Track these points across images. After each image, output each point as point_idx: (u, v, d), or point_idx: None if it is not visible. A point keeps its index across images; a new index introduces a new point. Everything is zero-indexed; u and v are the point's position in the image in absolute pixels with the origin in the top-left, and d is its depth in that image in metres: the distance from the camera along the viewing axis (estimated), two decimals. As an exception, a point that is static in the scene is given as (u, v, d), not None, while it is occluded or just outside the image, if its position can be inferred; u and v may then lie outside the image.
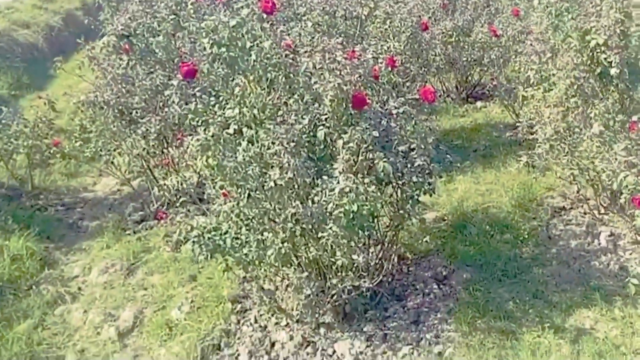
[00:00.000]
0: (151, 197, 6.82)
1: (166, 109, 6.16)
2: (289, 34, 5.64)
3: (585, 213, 5.74)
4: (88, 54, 6.53)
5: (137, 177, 6.97)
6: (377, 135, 3.97)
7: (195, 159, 4.29)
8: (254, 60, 4.25)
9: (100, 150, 6.40)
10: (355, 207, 3.69)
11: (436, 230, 5.64)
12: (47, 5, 14.69)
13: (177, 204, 6.29)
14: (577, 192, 5.76)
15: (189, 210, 6.34)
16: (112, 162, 6.64)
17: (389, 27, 6.49)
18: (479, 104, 8.93)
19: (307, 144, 4.20)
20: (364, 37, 6.28)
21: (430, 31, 7.09)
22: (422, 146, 4.03)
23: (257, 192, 4.13)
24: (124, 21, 6.34)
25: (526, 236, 5.51)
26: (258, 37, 4.22)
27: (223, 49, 4.15)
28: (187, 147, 4.22)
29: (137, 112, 6.28)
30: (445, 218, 5.85)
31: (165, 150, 6.57)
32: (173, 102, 6.09)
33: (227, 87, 4.54)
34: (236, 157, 4.04)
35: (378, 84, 4.36)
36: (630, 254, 5.13)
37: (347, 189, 3.74)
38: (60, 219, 6.93)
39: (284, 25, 5.02)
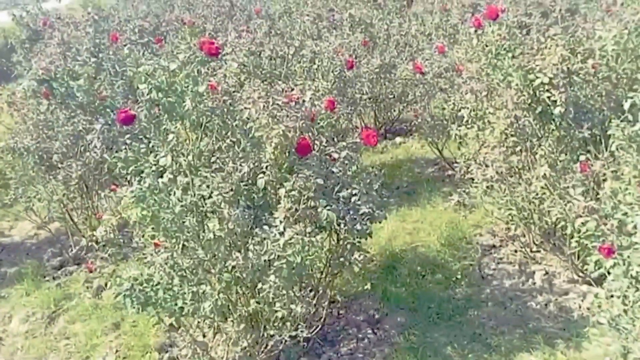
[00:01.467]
0: (69, 241, 6.36)
1: (87, 154, 5.77)
2: (214, 75, 5.38)
3: (516, 251, 5.49)
4: (7, 100, 6.06)
5: (56, 222, 6.53)
6: (322, 182, 3.69)
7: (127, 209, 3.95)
8: (190, 106, 3.94)
9: (20, 196, 5.90)
10: (299, 258, 3.41)
11: (365, 272, 5.25)
12: (-46, 47, 13.91)
13: (97, 249, 5.93)
14: (507, 229, 5.58)
15: (109, 256, 5.98)
16: (32, 209, 6.15)
17: (318, 66, 6.24)
18: (398, 139, 8.66)
19: (244, 192, 3.90)
20: (289, 76, 6.03)
21: (355, 69, 6.83)
22: (366, 192, 3.77)
23: (192, 242, 3.80)
24: (44, 65, 5.90)
25: (458, 276, 5.21)
26: (197, 81, 3.92)
27: (161, 94, 3.82)
28: (121, 199, 3.87)
29: (57, 157, 5.85)
30: (374, 259, 5.55)
31: (85, 196, 6.14)
32: (95, 146, 5.74)
33: (160, 133, 4.22)
34: (172, 208, 3.70)
35: (318, 128, 4.08)
36: (567, 293, 4.87)
37: (293, 240, 3.45)
38: (-24, 269, 6.42)
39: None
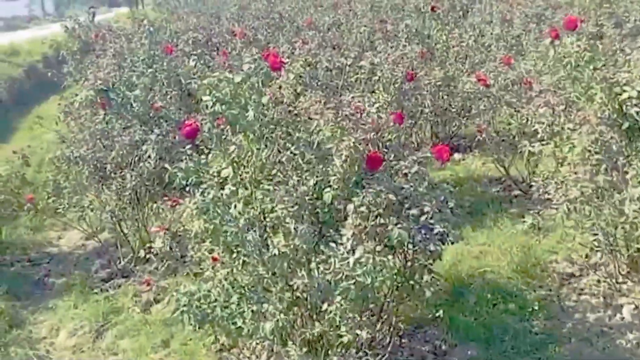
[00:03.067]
0: (118, 253, 6.20)
1: (141, 164, 5.62)
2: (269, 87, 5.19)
3: (599, 281, 4.86)
4: (64, 109, 5.96)
5: (105, 232, 6.41)
6: (394, 198, 3.45)
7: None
8: (253, 117, 3.76)
9: (73, 206, 5.77)
10: (369, 280, 3.17)
11: (429, 297, 4.85)
12: (10, 59, 14.02)
13: (146, 262, 5.76)
14: (586, 256, 5.05)
15: (156, 269, 5.82)
16: (84, 218, 6.01)
17: (380, 77, 5.96)
18: (457, 156, 7.98)
19: (309, 207, 3.69)
20: (346, 88, 5.82)
21: (415, 82, 6.46)
22: (438, 210, 3.49)
23: (254, 258, 3.60)
24: (102, 76, 5.79)
25: (535, 307, 4.61)
26: (261, 93, 3.74)
27: (225, 107, 3.65)
28: (182, 211, 3.69)
29: (111, 167, 5.71)
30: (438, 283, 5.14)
31: (136, 207, 5.99)
32: (149, 157, 5.59)
33: (221, 144, 4.05)
34: (236, 221, 3.51)
35: (385, 142, 3.84)
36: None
37: (363, 259, 3.22)
38: (26, 276, 6.26)
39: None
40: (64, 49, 11.58)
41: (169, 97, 6.17)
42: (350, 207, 3.47)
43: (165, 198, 4.78)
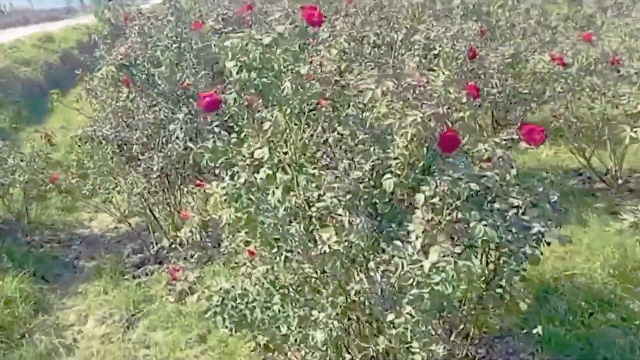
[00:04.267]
0: (151, 238, 5.27)
1: (169, 145, 4.67)
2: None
3: None
4: (86, 86, 4.98)
5: (136, 216, 5.48)
6: (477, 188, 2.47)
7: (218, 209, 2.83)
8: (290, 89, 2.79)
9: (99, 187, 4.81)
10: (450, 289, 2.19)
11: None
12: (46, 45, 13.06)
13: (181, 249, 4.86)
14: None
15: (191, 256, 4.92)
16: (110, 201, 5.06)
17: (439, 52, 4.71)
18: (523, 144, 6.54)
19: (364, 197, 2.72)
20: (397, 66, 4.72)
21: (478, 59, 5.14)
22: (533, 204, 2.47)
23: (299, 254, 2.66)
24: (123, 50, 4.81)
25: None
26: (298, 58, 2.75)
27: (254, 74, 2.66)
28: (209, 196, 2.74)
29: (137, 148, 4.76)
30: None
31: (167, 190, 5.06)
32: (177, 137, 4.65)
33: (253, 121, 3.09)
34: (274, 211, 2.56)
35: (457, 121, 2.78)
36: None
37: (442, 264, 2.24)
38: (55, 257, 5.35)
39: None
40: (95, 34, 10.57)
41: (198, 76, 5.17)
42: (420, 197, 2.47)
43: (198, 182, 3.88)
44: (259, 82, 2.64)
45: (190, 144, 4.52)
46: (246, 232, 2.81)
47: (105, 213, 5.66)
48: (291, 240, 2.63)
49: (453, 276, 2.25)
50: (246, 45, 2.68)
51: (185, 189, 5.01)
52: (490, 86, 5.26)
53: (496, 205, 2.48)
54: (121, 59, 4.74)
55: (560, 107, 5.32)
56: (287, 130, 2.96)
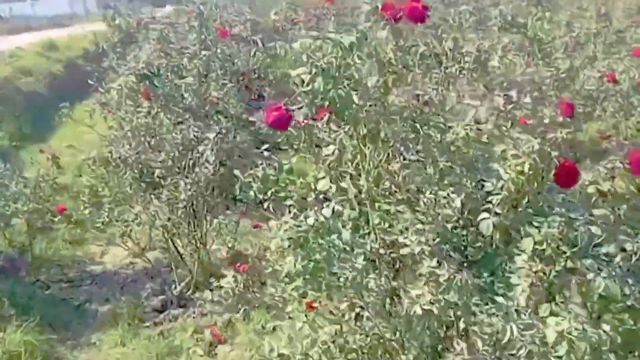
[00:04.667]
0: (173, 275, 4.93)
1: (197, 169, 4.33)
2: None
3: None
4: (100, 99, 4.66)
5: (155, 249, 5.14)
6: (599, 232, 2.06)
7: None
8: (362, 102, 2.42)
9: (115, 219, 4.44)
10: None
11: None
12: (49, 53, 12.82)
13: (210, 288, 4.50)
14: None
15: (221, 297, 4.57)
16: (129, 235, 4.70)
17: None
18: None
19: (452, 239, 2.34)
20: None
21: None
22: None
23: (377, 314, 2.29)
24: (145, 58, 4.48)
25: None
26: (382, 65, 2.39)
27: (329, 86, 2.28)
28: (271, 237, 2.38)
29: (160, 172, 4.42)
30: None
31: (192, 221, 4.71)
32: (207, 160, 4.31)
33: (311, 143, 2.75)
34: (352, 259, 2.19)
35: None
36: None
37: (569, 330, 1.84)
38: (64, 300, 4.99)
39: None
40: (103, 41, 10.29)
41: (225, 88, 4.84)
42: (528, 243, 2.08)
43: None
44: (334, 94, 2.26)
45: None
46: (304, 279, 2.44)
47: (119, 246, 5.32)
48: (370, 299, 2.26)
49: (585, 349, 1.87)
50: (319, 48, 2.31)
51: (214, 220, 4.68)
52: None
53: (605, 250, 2.08)
54: (142, 68, 4.40)
55: (610, 127, 5.06)
56: (358, 157, 2.60)
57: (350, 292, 2.33)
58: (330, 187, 2.62)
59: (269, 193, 2.70)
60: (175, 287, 4.79)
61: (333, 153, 2.69)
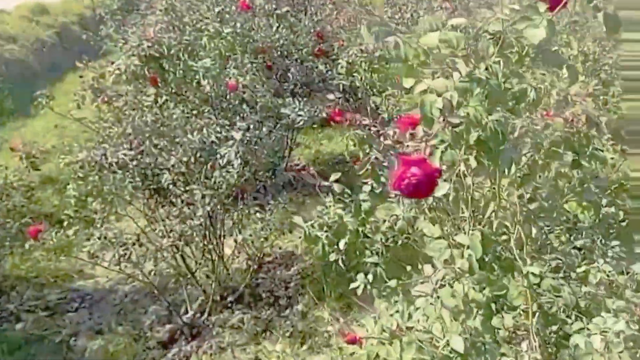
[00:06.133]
0: (182, 295, 3.99)
1: (216, 174, 3.38)
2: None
3: None
4: (92, 84, 3.65)
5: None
6: None
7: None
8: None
9: (111, 241, 3.41)
10: None
11: None
12: (38, 18, 11.62)
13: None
14: None
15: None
16: (128, 257, 3.69)
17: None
18: None
19: None
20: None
21: None
22: None
23: None
24: (152, 34, 3.48)
25: None
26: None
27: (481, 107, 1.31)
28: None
29: (169, 179, 3.45)
30: None
31: (209, 234, 3.77)
32: (229, 164, 3.36)
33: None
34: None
35: None
36: None
37: None
38: (42, 339, 3.91)
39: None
40: (101, 7, 9.24)
41: (251, 72, 3.87)
42: None
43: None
44: (493, 125, 1.30)
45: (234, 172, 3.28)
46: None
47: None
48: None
49: None
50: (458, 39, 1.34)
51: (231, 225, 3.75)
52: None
53: None
54: (149, 46, 3.40)
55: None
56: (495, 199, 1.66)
57: None
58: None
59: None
60: (187, 311, 3.85)
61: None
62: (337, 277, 3.93)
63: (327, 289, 4.03)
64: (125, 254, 3.35)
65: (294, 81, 4.97)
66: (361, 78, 4.21)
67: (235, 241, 3.81)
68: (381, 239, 1.89)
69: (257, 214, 3.62)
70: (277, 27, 4.99)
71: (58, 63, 10.34)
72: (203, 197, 3.30)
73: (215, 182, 3.40)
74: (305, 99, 4.52)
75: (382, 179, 1.87)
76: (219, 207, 3.56)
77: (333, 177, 1.95)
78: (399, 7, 5.91)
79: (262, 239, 3.70)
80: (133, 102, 3.51)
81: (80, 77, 3.89)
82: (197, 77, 3.62)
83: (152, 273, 3.54)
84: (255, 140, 3.44)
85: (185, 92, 3.62)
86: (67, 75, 9.86)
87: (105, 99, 3.54)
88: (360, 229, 1.92)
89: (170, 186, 3.46)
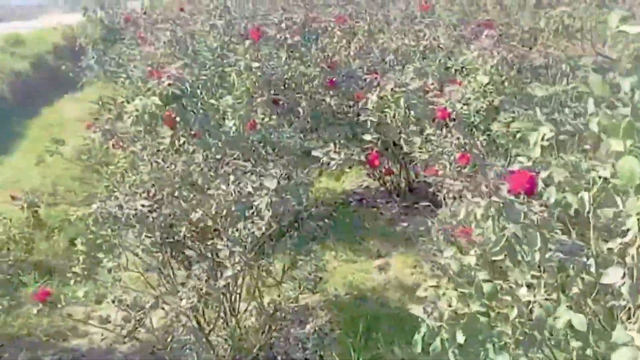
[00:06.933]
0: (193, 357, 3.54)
1: (240, 225, 3.01)
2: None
3: None
4: (104, 127, 3.24)
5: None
6: None
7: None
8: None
9: (127, 305, 2.96)
10: None
11: None
12: (14, 49, 11.17)
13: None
14: None
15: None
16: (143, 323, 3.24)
17: None
18: None
19: None
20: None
21: None
22: None
23: None
24: (174, 72, 3.10)
25: None
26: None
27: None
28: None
29: (186, 231, 3.05)
30: None
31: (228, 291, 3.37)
32: (259, 215, 2.99)
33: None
34: None
35: None
36: None
37: None
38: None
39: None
40: (81, 37, 8.85)
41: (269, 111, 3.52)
42: None
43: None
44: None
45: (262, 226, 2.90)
46: None
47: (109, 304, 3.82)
48: None
49: None
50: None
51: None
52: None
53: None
54: (169, 84, 3.01)
55: None
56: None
57: None
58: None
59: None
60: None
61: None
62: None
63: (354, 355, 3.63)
64: (142, 319, 2.92)
65: (305, 116, 4.60)
66: (394, 115, 3.84)
67: (257, 302, 3.41)
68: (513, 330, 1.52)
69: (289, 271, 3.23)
70: (286, 58, 4.63)
71: (33, 95, 9.89)
72: (231, 254, 2.90)
73: (240, 236, 3.01)
74: (341, 141, 4.16)
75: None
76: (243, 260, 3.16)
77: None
78: (416, 33, 5.70)
79: (290, 300, 3.31)
80: (151, 145, 3.11)
81: (96, 119, 3.47)
82: (216, 116, 3.26)
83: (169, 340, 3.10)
84: (286, 189, 3.07)
85: (207, 133, 3.23)
86: (44, 109, 9.44)
87: (122, 145, 3.12)
88: (482, 318, 1.55)
89: (189, 242, 3.07)
